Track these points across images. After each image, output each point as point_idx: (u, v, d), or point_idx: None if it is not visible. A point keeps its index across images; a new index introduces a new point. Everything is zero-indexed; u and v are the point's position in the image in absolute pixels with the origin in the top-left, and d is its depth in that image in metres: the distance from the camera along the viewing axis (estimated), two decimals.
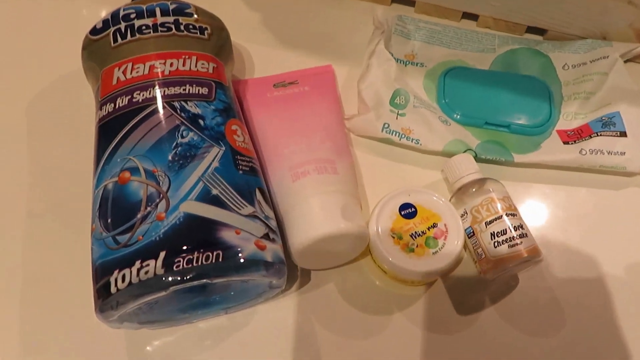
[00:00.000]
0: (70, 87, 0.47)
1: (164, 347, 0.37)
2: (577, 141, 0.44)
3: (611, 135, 0.43)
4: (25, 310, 0.38)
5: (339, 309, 0.39)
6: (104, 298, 0.31)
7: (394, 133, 0.44)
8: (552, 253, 0.41)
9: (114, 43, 0.38)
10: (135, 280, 0.30)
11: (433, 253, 0.37)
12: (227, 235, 0.32)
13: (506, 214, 0.38)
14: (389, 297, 0.39)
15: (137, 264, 0.30)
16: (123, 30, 0.39)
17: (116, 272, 0.31)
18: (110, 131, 0.35)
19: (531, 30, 0.51)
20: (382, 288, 0.40)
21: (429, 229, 0.38)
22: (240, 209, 0.33)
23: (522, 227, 0.38)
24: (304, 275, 0.40)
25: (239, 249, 0.32)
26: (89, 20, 0.41)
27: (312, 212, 0.36)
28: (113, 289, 0.30)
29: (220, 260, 0.31)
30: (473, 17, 0.52)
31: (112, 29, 0.39)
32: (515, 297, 0.40)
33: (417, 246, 0.37)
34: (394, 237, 0.37)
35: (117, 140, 0.35)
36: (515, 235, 0.37)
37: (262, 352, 0.37)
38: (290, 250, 0.36)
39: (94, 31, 0.40)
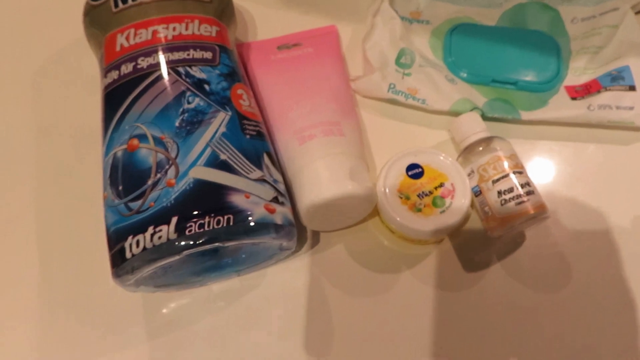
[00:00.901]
0: (72, 56, 0.46)
1: (179, 309, 0.38)
2: (585, 96, 0.43)
3: (620, 90, 0.43)
4: (43, 278, 0.39)
5: (349, 268, 0.40)
6: (120, 263, 0.32)
7: (400, 93, 0.43)
8: (559, 209, 0.42)
9: (115, 8, 0.38)
10: (149, 245, 0.31)
11: (440, 212, 0.37)
12: (237, 200, 0.32)
13: (513, 172, 0.38)
14: (397, 256, 0.40)
15: (150, 229, 0.31)
16: None
17: (130, 237, 0.31)
18: (116, 99, 0.36)
19: None
20: (390, 248, 0.40)
21: (436, 188, 0.38)
22: (248, 174, 0.34)
23: (528, 184, 0.38)
24: (313, 237, 0.41)
25: (249, 213, 0.32)
26: None
27: (320, 175, 0.36)
28: (128, 254, 0.31)
29: (231, 224, 0.31)
30: None
31: None
32: (522, 253, 0.40)
33: (424, 206, 0.37)
34: (401, 197, 0.38)
35: (123, 107, 0.35)
36: (522, 193, 0.37)
37: (274, 313, 0.38)
38: (299, 213, 0.37)
39: None
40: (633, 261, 0.40)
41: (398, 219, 0.37)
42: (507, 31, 0.47)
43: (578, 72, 0.45)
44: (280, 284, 0.39)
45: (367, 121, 0.45)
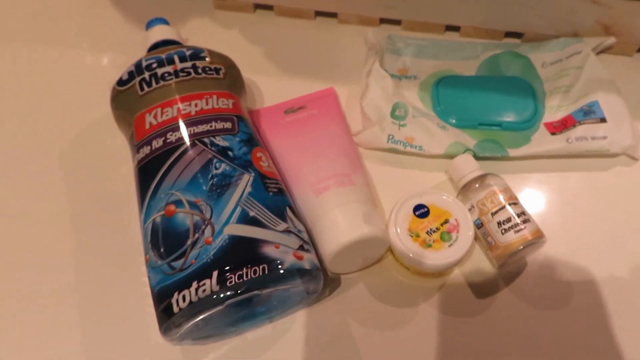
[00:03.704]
0: (96, 135, 0.51)
1: (217, 359, 0.41)
2: (563, 131, 0.49)
3: (593, 123, 0.48)
4: (86, 337, 0.41)
5: (370, 306, 0.43)
6: (168, 318, 0.35)
7: (399, 142, 0.48)
8: (554, 234, 0.46)
9: (141, 91, 0.43)
10: (194, 298, 0.34)
11: (449, 246, 0.41)
12: (269, 250, 0.36)
13: (509, 204, 0.42)
14: (413, 291, 0.44)
15: (195, 284, 0.34)
16: (148, 79, 0.43)
17: (176, 294, 0.35)
18: (150, 170, 0.40)
19: (509, 34, 0.56)
20: (406, 283, 0.44)
21: (442, 224, 0.42)
22: (276, 226, 0.38)
23: (524, 213, 0.42)
24: (334, 281, 0.44)
25: (280, 261, 0.36)
26: (108, 72, 0.45)
27: (338, 222, 0.40)
28: (175, 309, 0.34)
29: (266, 272, 0.35)
30: (455, 28, 0.57)
31: (138, 79, 0.43)
32: (526, 277, 0.44)
33: (433, 241, 0.41)
34: (412, 236, 0.42)
35: (158, 178, 0.39)
36: (519, 222, 0.41)
37: (305, 354, 0.41)
38: (322, 258, 0.40)
39: (121, 82, 0.44)
40: (624, 272, 0.44)
41: (411, 255, 0.41)
42: (487, 79, 0.53)
43: (554, 110, 0.51)
44: (311, 326, 0.42)
45: (372, 171, 0.49)
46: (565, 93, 0.51)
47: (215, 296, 0.34)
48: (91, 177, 0.49)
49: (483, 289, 0.44)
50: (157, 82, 0.43)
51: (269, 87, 0.54)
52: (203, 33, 0.57)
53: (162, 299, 0.35)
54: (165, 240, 0.37)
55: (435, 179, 0.49)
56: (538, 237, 0.41)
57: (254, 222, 0.37)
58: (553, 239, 0.45)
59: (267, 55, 0.57)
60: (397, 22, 0.57)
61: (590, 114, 0.48)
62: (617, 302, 0.43)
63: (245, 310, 0.40)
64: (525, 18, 0.53)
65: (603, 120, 0.48)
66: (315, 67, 0.55)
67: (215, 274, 0.35)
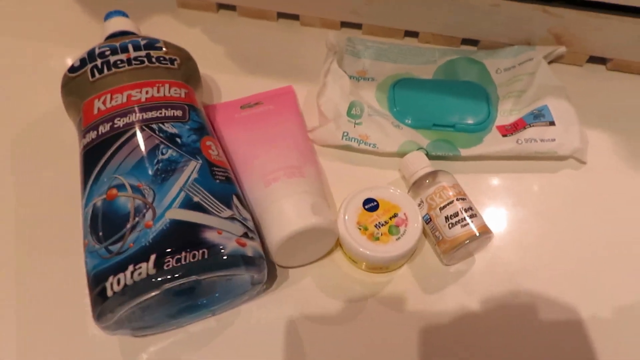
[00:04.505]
0: (48, 125, 0.50)
1: (159, 352, 0.40)
2: (514, 133, 0.50)
3: (542, 125, 0.49)
4: (21, 327, 0.40)
5: (317, 300, 0.42)
6: (101, 302, 0.34)
7: (353, 140, 0.48)
8: (503, 232, 0.46)
9: (92, 78, 0.42)
10: (129, 282, 0.33)
11: (396, 239, 0.41)
12: (210, 236, 0.36)
13: (456, 199, 0.43)
14: (361, 286, 0.43)
15: (130, 267, 0.34)
16: (99, 66, 0.43)
17: (111, 277, 0.34)
18: (95, 155, 0.39)
19: (466, 42, 0.58)
20: (354, 278, 0.44)
21: (390, 218, 0.42)
22: (220, 213, 0.37)
23: (471, 209, 0.43)
24: (282, 274, 0.44)
25: (221, 246, 0.35)
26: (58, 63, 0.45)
27: (286, 211, 0.40)
28: (109, 293, 0.33)
29: (205, 257, 0.34)
30: (414, 34, 0.58)
31: (90, 66, 0.43)
32: (474, 274, 0.44)
33: (381, 234, 0.41)
34: (360, 229, 0.42)
35: (102, 162, 0.38)
36: (466, 217, 0.42)
37: (250, 348, 0.40)
38: (269, 248, 0.40)
39: (72, 69, 0.44)
40: (569, 266, 0.44)
41: (360, 248, 0.41)
42: (443, 83, 0.54)
43: (506, 114, 0.52)
44: (255, 320, 0.41)
45: (326, 167, 0.49)
46: (517, 98, 0.52)
47: (151, 280, 0.33)
48: (41, 167, 0.48)
49: (431, 284, 0.44)
50: (109, 69, 0.42)
51: (229, 85, 0.54)
52: (165, 30, 0.57)
53: (96, 283, 0.34)
54: (105, 224, 0.36)
55: (389, 177, 0.49)
56: (484, 233, 0.42)
57: (198, 207, 0.37)
58: (501, 237, 0.46)
59: (229, 54, 0.57)
60: (358, 26, 0.58)
61: (540, 117, 0.50)
62: (560, 299, 0.43)
63: (187, 300, 0.39)
64: (480, 26, 0.55)
65: (552, 123, 0.49)
66: (276, 67, 0.56)
67: (153, 257, 0.34)
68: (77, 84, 0.43)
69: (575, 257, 0.45)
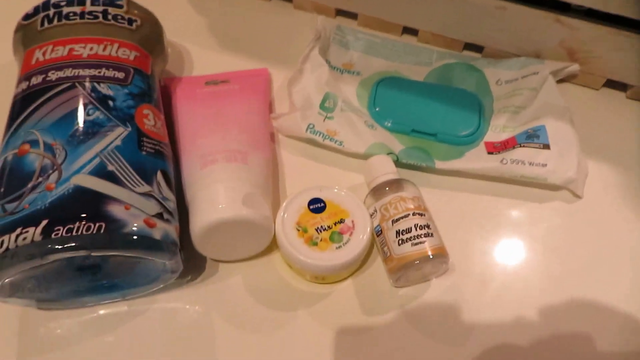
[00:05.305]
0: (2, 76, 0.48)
1: (59, 328, 0.37)
2: (501, 152, 0.44)
3: (534, 147, 0.43)
4: None
5: (243, 303, 0.38)
6: None
7: (318, 134, 0.44)
8: (467, 260, 0.41)
9: (40, 27, 0.39)
10: (12, 246, 0.30)
11: (336, 248, 0.36)
12: (115, 210, 0.32)
13: (413, 213, 0.37)
14: (295, 294, 0.39)
15: (18, 230, 0.30)
16: (51, 15, 0.40)
17: None
18: (20, 107, 0.36)
19: (469, 47, 0.52)
20: (289, 284, 0.39)
21: (335, 224, 0.37)
22: (134, 187, 0.33)
23: (428, 227, 0.37)
24: (212, 267, 0.39)
25: (123, 223, 0.31)
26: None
27: (215, 197, 0.36)
28: None
29: (101, 231, 0.31)
30: (414, 32, 0.53)
31: (42, 15, 0.40)
32: (424, 301, 0.39)
33: (321, 240, 0.37)
34: (298, 230, 0.37)
35: (24, 115, 0.35)
36: (420, 234, 0.37)
37: (157, 341, 0.36)
38: (191, 235, 0.36)
39: (26, 17, 0.41)
40: (539, 313, 0.38)
41: (292, 250, 0.36)
42: (433, 87, 0.48)
43: (498, 130, 0.46)
44: (169, 312, 0.37)
45: (286, 160, 0.45)
46: (514, 114, 0.46)
47: (34, 248, 0.30)
48: None
49: (373, 305, 0.38)
50: (59, 20, 0.40)
51: (205, 60, 0.51)
52: None
53: None
54: (9, 180, 0.33)
55: (352, 180, 0.44)
56: (439, 255, 0.36)
57: (110, 176, 0.33)
58: (464, 265, 0.40)
59: (212, 28, 0.53)
60: (353, 16, 0.54)
61: (533, 137, 0.44)
62: (518, 342, 0.37)
63: (93, 279, 0.35)
64: (485, 29, 0.49)
65: (546, 146, 0.43)
66: (259, 49, 0.52)
67: (44, 223, 0.30)
68: (26, 32, 0.40)
69: (541, 305, 0.39)
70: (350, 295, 0.39)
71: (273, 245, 0.39)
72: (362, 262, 0.39)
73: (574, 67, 0.49)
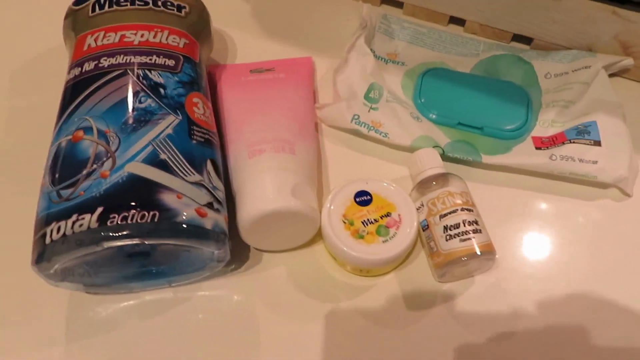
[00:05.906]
0: (52, 60, 0.48)
1: (106, 313, 0.37)
2: (549, 147, 0.43)
3: (584, 144, 0.42)
4: None
5: (285, 292, 0.38)
6: (40, 249, 0.31)
7: (363, 125, 0.43)
8: (513, 257, 0.40)
9: (91, 13, 0.40)
10: (69, 232, 0.30)
11: (383, 241, 0.36)
12: (168, 198, 0.32)
13: (461, 209, 0.37)
14: (337, 286, 0.39)
15: (74, 217, 0.31)
16: (102, 1, 0.40)
17: (54, 223, 0.31)
18: (73, 93, 0.36)
19: (518, 39, 0.51)
20: (332, 276, 0.39)
21: (382, 217, 0.37)
22: (186, 176, 0.34)
23: (476, 222, 0.37)
24: (255, 257, 0.40)
25: (177, 212, 0.32)
26: None
27: (263, 188, 0.36)
28: (47, 240, 0.31)
29: (155, 220, 0.31)
30: (460, 22, 0.52)
31: (93, 0, 0.40)
32: (468, 297, 0.38)
33: (367, 233, 0.36)
34: (345, 222, 0.37)
35: (77, 101, 0.36)
36: (468, 230, 0.36)
37: (200, 327, 0.37)
38: (238, 225, 0.36)
39: (77, 2, 0.41)
40: (584, 311, 0.38)
41: (338, 243, 0.36)
42: (480, 79, 0.47)
43: (546, 124, 0.45)
44: (213, 300, 0.38)
45: (330, 151, 0.45)
46: (563, 108, 0.45)
47: (90, 234, 0.30)
48: (37, 103, 0.46)
49: (417, 300, 0.38)
50: (110, 6, 0.40)
51: (249, 47, 0.50)
52: None
53: (40, 227, 0.32)
54: (63, 166, 0.33)
55: (396, 173, 0.44)
56: (487, 252, 0.36)
57: (162, 165, 0.33)
58: (509, 262, 0.40)
59: (256, 15, 0.53)
60: (399, 5, 0.53)
61: (584, 133, 0.43)
62: (563, 341, 0.37)
63: (142, 265, 0.36)
64: (536, 21, 0.48)
65: (597, 143, 0.42)
66: (303, 36, 0.51)
67: (99, 210, 0.31)
68: (77, 17, 0.40)
69: (590, 301, 0.38)
70: (393, 288, 0.39)
71: (316, 237, 0.39)
72: (406, 256, 0.39)
73: (628, 62, 0.47)
